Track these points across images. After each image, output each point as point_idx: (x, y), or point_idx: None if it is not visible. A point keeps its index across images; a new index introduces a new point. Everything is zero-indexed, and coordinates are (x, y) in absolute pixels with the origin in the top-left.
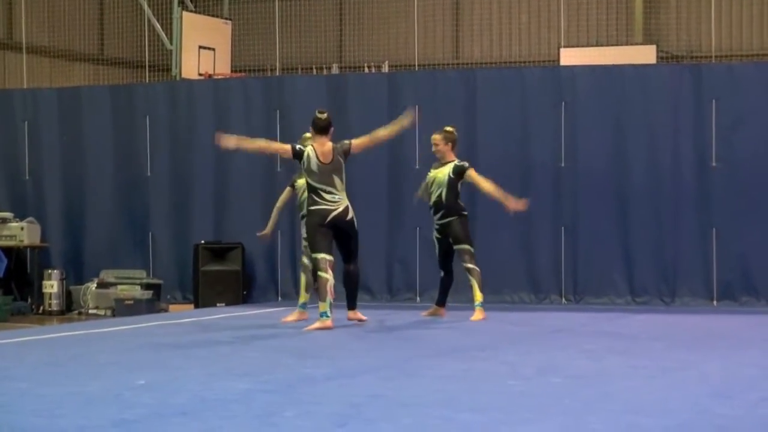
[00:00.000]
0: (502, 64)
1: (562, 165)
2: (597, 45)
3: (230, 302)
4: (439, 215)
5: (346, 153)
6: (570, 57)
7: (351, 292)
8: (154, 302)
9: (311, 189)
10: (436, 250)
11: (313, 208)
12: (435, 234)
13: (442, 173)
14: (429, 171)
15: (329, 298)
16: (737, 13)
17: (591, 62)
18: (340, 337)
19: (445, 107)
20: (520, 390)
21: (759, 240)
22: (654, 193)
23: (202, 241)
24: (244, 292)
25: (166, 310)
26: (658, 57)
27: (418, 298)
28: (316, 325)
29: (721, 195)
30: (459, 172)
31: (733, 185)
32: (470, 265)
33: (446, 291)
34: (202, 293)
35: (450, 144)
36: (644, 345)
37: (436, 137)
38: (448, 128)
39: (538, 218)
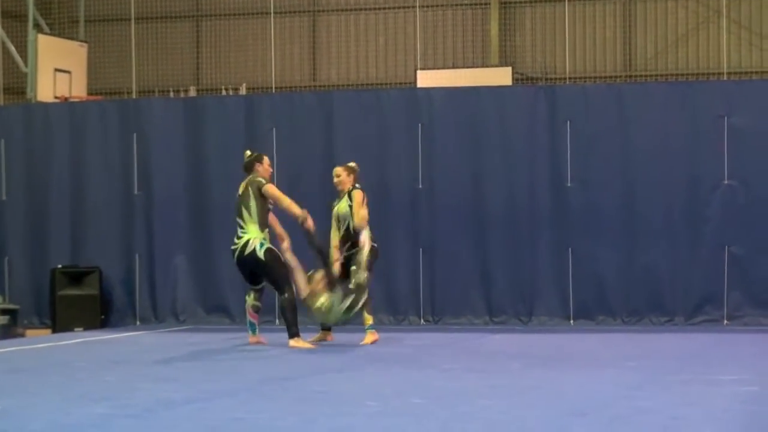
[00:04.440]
0: (359, 87)
1: (420, 186)
2: (453, 67)
3: (88, 327)
4: (348, 245)
5: (259, 189)
6: (427, 79)
7: (285, 322)
8: (10, 327)
9: None
10: None
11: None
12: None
13: (343, 205)
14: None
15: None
16: (590, 36)
17: (447, 84)
18: (199, 359)
19: (302, 130)
20: (378, 411)
21: (614, 259)
22: (510, 213)
23: (59, 266)
24: (102, 317)
25: (22, 335)
26: (513, 79)
27: (276, 321)
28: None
29: (576, 215)
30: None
31: (588, 205)
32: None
33: None
34: (59, 318)
35: (352, 176)
36: (502, 364)
37: (338, 169)
38: (351, 164)
39: (396, 239)
